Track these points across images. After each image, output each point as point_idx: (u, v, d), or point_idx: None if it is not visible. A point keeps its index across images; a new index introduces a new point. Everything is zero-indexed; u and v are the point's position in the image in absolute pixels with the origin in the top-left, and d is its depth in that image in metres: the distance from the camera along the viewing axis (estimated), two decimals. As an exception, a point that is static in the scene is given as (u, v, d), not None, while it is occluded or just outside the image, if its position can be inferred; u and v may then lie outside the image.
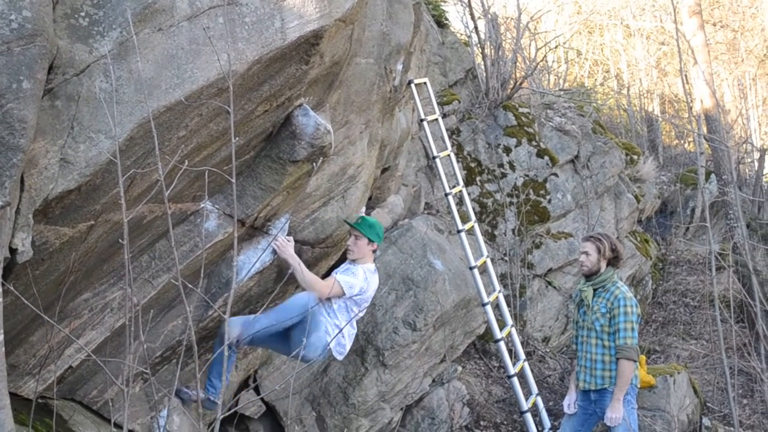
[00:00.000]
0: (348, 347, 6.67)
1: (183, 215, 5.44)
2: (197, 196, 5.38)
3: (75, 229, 4.23)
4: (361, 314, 6.74)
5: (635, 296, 14.10)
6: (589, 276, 7.10)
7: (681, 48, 15.05)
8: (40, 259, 4.14)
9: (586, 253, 7.08)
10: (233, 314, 6.52)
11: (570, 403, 7.20)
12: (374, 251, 6.78)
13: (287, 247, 6.29)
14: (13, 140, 3.47)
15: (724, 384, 10.70)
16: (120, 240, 3.77)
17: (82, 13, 4.00)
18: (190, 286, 4.61)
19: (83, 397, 5.65)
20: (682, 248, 17.99)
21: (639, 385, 7.19)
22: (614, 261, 7.06)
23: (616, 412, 6.76)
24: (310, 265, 7.08)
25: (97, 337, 5.26)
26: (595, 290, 7.05)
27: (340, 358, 6.68)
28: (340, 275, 6.49)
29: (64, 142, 3.85)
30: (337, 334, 6.34)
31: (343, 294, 6.38)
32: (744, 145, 23.87)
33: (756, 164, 21.99)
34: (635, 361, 6.86)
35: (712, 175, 17.90)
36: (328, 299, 6.40)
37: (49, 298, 4.55)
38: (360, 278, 6.51)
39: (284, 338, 6.36)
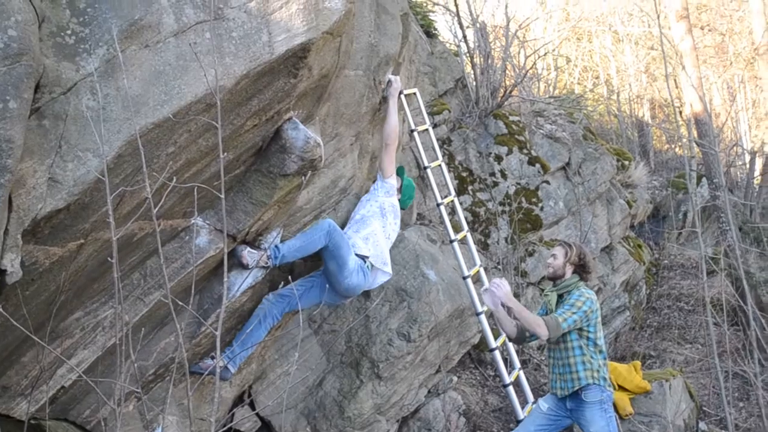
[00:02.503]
0: (387, 257, 7.25)
1: (174, 232, 5.42)
2: (188, 213, 5.36)
3: (64, 248, 4.21)
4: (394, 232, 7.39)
5: (629, 301, 14.20)
6: (554, 280, 7.06)
7: (668, 53, 15.06)
8: (29, 280, 4.11)
9: (554, 256, 7.06)
10: (226, 330, 6.51)
11: (549, 405, 7.15)
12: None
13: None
14: (0, 161, 3.44)
15: (720, 388, 10.69)
16: (110, 258, 3.74)
17: (68, 31, 3.98)
18: (180, 303, 4.58)
19: (76, 417, 5.62)
20: (675, 253, 18.00)
21: (613, 391, 7.09)
22: (581, 270, 6.98)
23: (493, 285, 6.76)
24: (302, 277, 7.07)
25: (89, 356, 5.23)
26: (560, 296, 6.98)
27: (386, 269, 7.27)
28: None
29: (52, 162, 3.83)
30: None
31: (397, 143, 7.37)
32: (734, 148, 23.93)
33: (747, 167, 22.02)
34: (547, 335, 6.58)
35: (704, 179, 17.93)
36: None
37: (39, 319, 4.52)
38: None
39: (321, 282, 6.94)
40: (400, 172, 7.59)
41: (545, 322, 6.56)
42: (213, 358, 6.38)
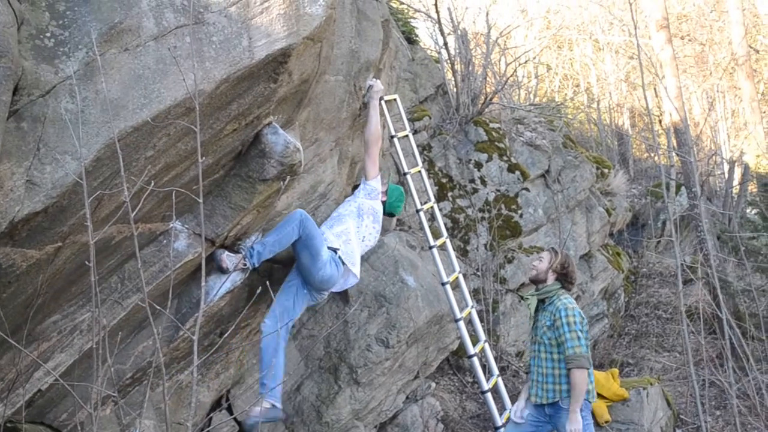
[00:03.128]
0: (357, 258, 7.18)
1: (152, 235, 5.41)
2: (166, 216, 5.35)
3: (42, 251, 4.20)
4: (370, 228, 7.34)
5: (608, 309, 14.25)
6: (536, 283, 7.18)
7: (648, 63, 15.13)
8: (6, 282, 4.10)
9: (540, 259, 7.18)
10: (204, 334, 6.51)
11: (517, 410, 7.20)
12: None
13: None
14: (-22, 163, 3.44)
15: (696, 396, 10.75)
16: (87, 262, 3.73)
17: (48, 34, 3.98)
18: (158, 308, 4.57)
19: (53, 421, 5.60)
20: (654, 261, 18.08)
21: (592, 400, 7.12)
22: (563, 278, 7.07)
23: (574, 424, 6.69)
24: (282, 282, 7.07)
25: (66, 359, 5.21)
26: (540, 302, 7.09)
27: (354, 270, 7.15)
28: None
29: (30, 164, 3.83)
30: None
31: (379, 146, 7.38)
32: (713, 158, 24.06)
33: (726, 176, 22.15)
34: (587, 369, 6.73)
35: (683, 188, 18.01)
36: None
37: (16, 321, 4.50)
38: None
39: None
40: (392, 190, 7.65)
41: (578, 365, 6.69)
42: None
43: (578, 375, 6.68)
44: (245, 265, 6.36)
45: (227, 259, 6.21)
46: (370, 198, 7.26)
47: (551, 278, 7.05)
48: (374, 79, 7.34)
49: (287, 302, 6.81)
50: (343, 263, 6.92)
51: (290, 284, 6.93)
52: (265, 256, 6.46)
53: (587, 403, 6.90)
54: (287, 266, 6.99)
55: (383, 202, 7.48)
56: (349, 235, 7.04)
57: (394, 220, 9.71)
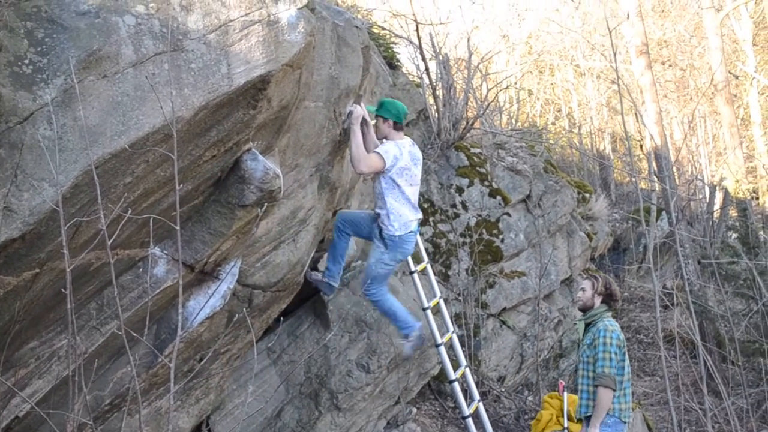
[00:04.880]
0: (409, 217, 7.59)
1: (131, 261, 5.39)
2: (145, 242, 5.34)
3: (19, 278, 4.18)
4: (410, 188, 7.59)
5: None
6: (584, 311, 7.49)
7: (628, 88, 15.24)
8: (-17, 309, 4.09)
9: (583, 289, 7.52)
10: (183, 360, 6.49)
11: None
12: (398, 128, 7.61)
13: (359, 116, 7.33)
14: (-46, 190, 3.43)
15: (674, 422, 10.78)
16: (63, 290, 3.73)
17: (26, 61, 3.98)
18: (135, 335, 4.56)
19: (30, 448, 5.56)
20: (635, 285, 18.14)
21: (625, 419, 7.29)
22: (608, 299, 7.43)
23: None
24: (262, 309, 7.06)
25: (44, 386, 5.18)
26: (587, 325, 7.40)
27: (412, 228, 7.64)
28: (373, 151, 7.40)
29: (8, 191, 3.82)
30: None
31: (384, 164, 7.28)
32: (694, 182, 24.19)
33: (706, 200, 22.27)
34: (613, 389, 7.02)
35: (663, 213, 18.10)
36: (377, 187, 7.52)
37: (-7, 348, 4.49)
38: (390, 147, 7.37)
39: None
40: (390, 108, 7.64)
41: (603, 383, 7.04)
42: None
43: (603, 393, 7.02)
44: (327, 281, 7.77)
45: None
46: (394, 165, 7.41)
47: (597, 302, 7.44)
48: (354, 105, 7.37)
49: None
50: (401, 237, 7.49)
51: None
52: (335, 272, 7.78)
53: (617, 421, 7.19)
54: (265, 291, 6.98)
55: (386, 120, 7.61)
56: (392, 209, 7.44)
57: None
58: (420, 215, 7.63)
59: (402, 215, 7.39)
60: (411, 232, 7.49)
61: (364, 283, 7.63)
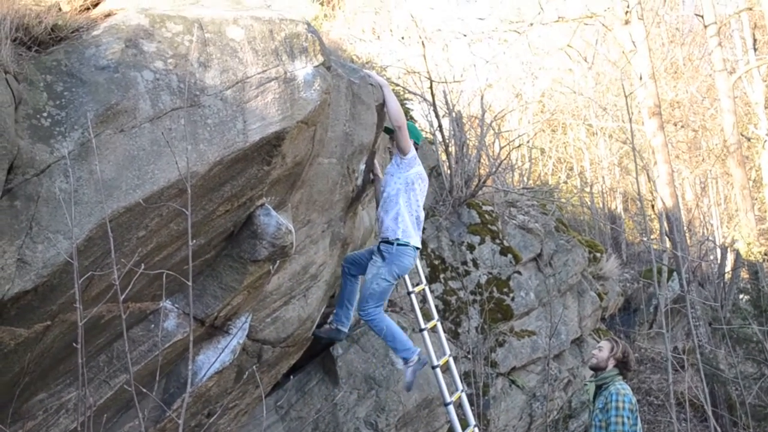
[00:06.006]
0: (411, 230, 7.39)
1: (142, 314, 5.39)
2: (156, 296, 5.34)
3: (31, 329, 4.18)
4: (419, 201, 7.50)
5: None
6: (596, 370, 7.37)
7: (640, 148, 15.28)
8: (-7, 361, 4.08)
9: (599, 348, 7.39)
10: (191, 414, 6.46)
11: None
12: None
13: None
14: (-30, 242, 3.45)
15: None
16: (75, 344, 3.72)
17: (45, 114, 4.02)
18: (144, 390, 4.54)
19: (36, 501, 5.52)
20: (646, 346, 18.01)
21: None
22: (622, 366, 7.30)
23: None
24: (271, 365, 7.03)
25: (51, 438, 5.16)
26: (598, 387, 7.30)
27: (414, 243, 7.39)
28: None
29: (22, 243, 3.83)
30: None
31: (410, 146, 7.33)
32: (706, 243, 24.13)
33: (718, 261, 22.18)
34: None
35: (675, 273, 18.03)
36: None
37: (2, 399, 4.47)
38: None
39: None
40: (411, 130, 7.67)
41: None
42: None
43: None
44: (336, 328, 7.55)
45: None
46: (412, 166, 7.28)
47: (611, 365, 7.29)
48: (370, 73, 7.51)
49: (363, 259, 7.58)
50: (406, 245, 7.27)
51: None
52: (343, 316, 7.56)
53: None
54: (275, 346, 6.96)
55: None
56: (402, 213, 7.21)
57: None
58: (419, 240, 7.56)
59: (407, 225, 7.27)
60: (411, 246, 7.32)
61: (361, 302, 7.45)
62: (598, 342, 12.79)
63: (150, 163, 4.34)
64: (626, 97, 13.42)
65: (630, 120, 13.84)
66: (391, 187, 7.30)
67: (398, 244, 7.17)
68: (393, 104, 7.32)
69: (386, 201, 7.28)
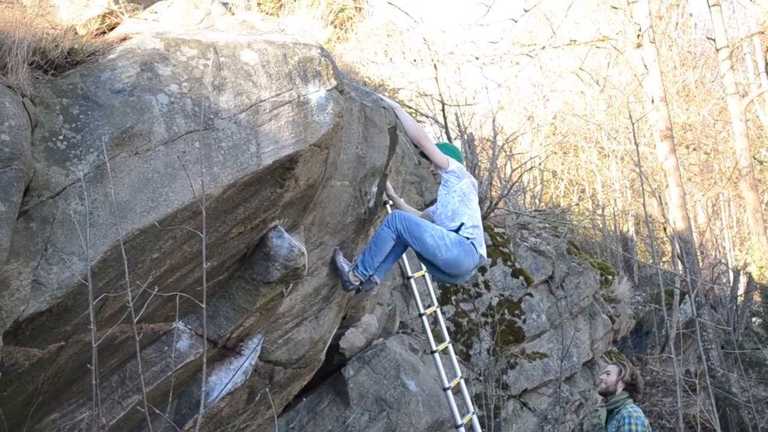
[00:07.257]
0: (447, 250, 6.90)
1: (155, 335, 5.41)
2: (169, 317, 5.36)
3: (45, 350, 4.21)
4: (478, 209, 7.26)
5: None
6: (605, 395, 7.43)
7: (652, 171, 15.28)
8: (8, 381, 4.11)
9: (608, 373, 7.47)
10: (203, 435, 6.47)
11: None
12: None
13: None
14: (-14, 263, 3.48)
15: None
16: (89, 365, 3.75)
17: (60, 137, 4.07)
18: (156, 410, 4.56)
19: None
20: (658, 369, 17.96)
21: None
22: (631, 388, 7.37)
23: None
24: (282, 386, 7.04)
25: (64, 458, 5.18)
26: (609, 412, 7.34)
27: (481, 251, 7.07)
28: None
29: (38, 264, 3.87)
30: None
31: (446, 162, 7.15)
32: (718, 266, 24.07)
33: (731, 284, 22.13)
34: None
35: (687, 296, 17.99)
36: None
37: (15, 419, 4.49)
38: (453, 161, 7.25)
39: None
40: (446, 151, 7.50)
41: None
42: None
43: None
44: (357, 279, 6.88)
45: (343, 260, 6.92)
46: (461, 178, 7.22)
47: (620, 389, 7.37)
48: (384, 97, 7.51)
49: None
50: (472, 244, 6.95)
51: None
52: (370, 266, 6.86)
53: None
54: (286, 368, 6.97)
55: None
56: (475, 221, 7.07)
57: (397, 321, 9.70)
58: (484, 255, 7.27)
59: (479, 231, 7.06)
60: (478, 254, 7.00)
61: (401, 225, 6.91)
62: (600, 365, 12.81)
63: (164, 185, 4.38)
64: (633, 122, 13.44)
65: (637, 144, 13.86)
66: (451, 204, 7.13)
67: (472, 243, 6.93)
68: (408, 122, 7.30)
69: (449, 218, 7.09)
